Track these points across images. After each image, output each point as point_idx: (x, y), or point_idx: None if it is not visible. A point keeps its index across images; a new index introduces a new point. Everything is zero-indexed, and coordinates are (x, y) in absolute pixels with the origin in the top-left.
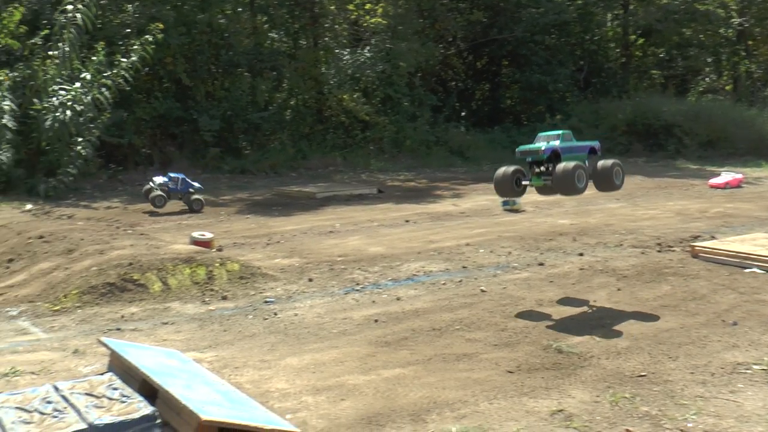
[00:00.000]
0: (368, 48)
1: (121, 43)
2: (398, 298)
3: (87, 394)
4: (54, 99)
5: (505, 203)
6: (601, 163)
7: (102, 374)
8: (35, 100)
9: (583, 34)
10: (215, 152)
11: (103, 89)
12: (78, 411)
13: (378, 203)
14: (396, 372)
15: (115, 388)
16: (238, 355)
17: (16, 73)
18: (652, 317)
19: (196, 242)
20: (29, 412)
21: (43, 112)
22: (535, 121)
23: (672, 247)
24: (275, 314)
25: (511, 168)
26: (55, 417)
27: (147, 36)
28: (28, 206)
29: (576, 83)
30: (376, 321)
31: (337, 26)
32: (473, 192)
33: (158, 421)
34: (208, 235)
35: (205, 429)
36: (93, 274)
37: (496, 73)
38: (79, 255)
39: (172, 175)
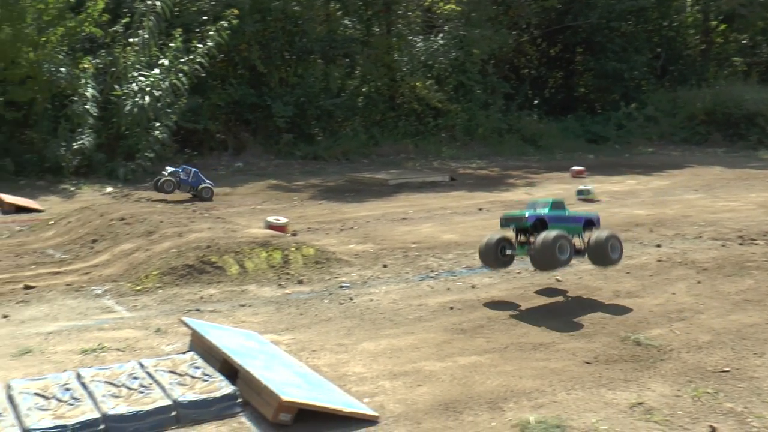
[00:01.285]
0: (441, 35)
1: (197, 30)
2: (473, 286)
3: (170, 371)
4: (133, 85)
5: (579, 193)
6: (596, 235)
7: (184, 353)
8: (116, 86)
9: (660, 21)
10: (288, 138)
11: (180, 75)
12: (163, 387)
13: (450, 191)
14: (472, 359)
15: (197, 367)
16: (315, 339)
17: (98, 60)
18: (734, 311)
19: (271, 226)
20: (117, 386)
21: (123, 97)
22: (609, 109)
23: (755, 240)
24: (351, 299)
25: (496, 236)
26: (142, 392)
27: (222, 22)
28: (108, 189)
29: (652, 71)
30: (451, 308)
31: (410, 13)
32: (546, 181)
33: (239, 400)
34: (283, 220)
35: (285, 409)
36: (172, 256)
37: (570, 61)
38: (158, 237)
39: (185, 166)
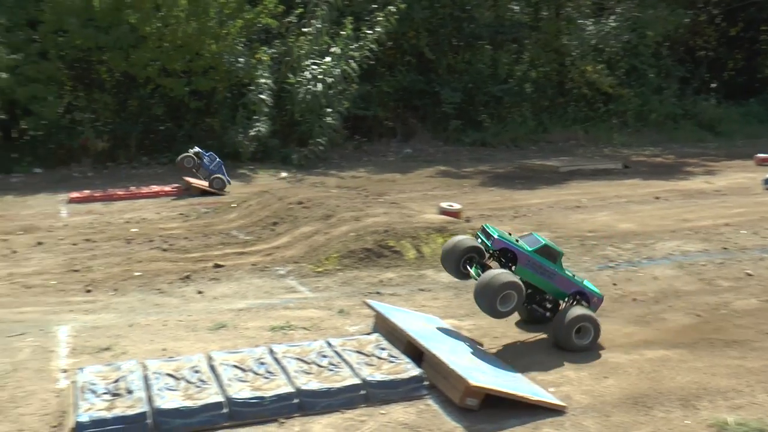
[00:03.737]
0: (613, 17)
1: (367, 18)
2: (655, 278)
3: (357, 351)
4: (306, 73)
5: (766, 182)
6: (569, 312)
7: (368, 334)
8: (290, 75)
9: None
10: (456, 124)
11: (351, 62)
12: (351, 367)
13: (624, 178)
14: (660, 353)
15: (383, 348)
16: (496, 325)
17: (273, 50)
18: None
19: (445, 212)
20: (308, 363)
21: (297, 85)
22: None
23: None
24: None
25: (467, 243)
26: (331, 370)
27: (390, 7)
28: (283, 174)
29: None
30: (634, 300)
31: None
32: (727, 169)
33: (425, 382)
34: (457, 206)
35: (472, 394)
36: (351, 240)
37: (753, 40)
38: (336, 221)
39: (212, 153)
